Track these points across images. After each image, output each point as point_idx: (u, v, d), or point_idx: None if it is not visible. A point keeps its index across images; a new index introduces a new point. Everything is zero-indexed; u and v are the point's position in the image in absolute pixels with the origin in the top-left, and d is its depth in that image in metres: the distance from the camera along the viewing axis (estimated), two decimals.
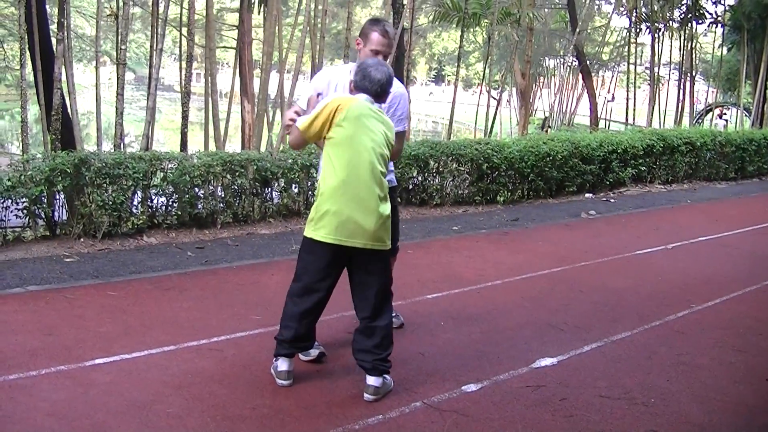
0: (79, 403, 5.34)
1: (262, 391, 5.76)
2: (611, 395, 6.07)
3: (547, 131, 24.38)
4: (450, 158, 14.10)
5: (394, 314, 7.11)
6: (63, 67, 11.57)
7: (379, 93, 5.76)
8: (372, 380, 5.74)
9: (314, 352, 6.45)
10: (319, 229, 5.60)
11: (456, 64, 21.88)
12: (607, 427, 5.52)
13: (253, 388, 5.80)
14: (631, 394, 6.11)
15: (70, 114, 12.27)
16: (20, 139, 12.46)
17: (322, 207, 5.58)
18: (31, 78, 12.28)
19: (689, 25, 30.44)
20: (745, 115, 33.66)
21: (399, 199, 12.31)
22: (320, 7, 16.63)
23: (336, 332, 7.03)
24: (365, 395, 5.73)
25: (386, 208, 5.64)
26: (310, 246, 5.74)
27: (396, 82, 6.22)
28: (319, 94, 6.16)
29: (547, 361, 6.71)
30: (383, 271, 5.85)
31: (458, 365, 6.54)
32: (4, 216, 9.69)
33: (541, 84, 54.80)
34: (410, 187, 13.67)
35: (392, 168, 6.64)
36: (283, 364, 5.94)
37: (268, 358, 6.25)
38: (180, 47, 19.78)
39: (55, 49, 11.87)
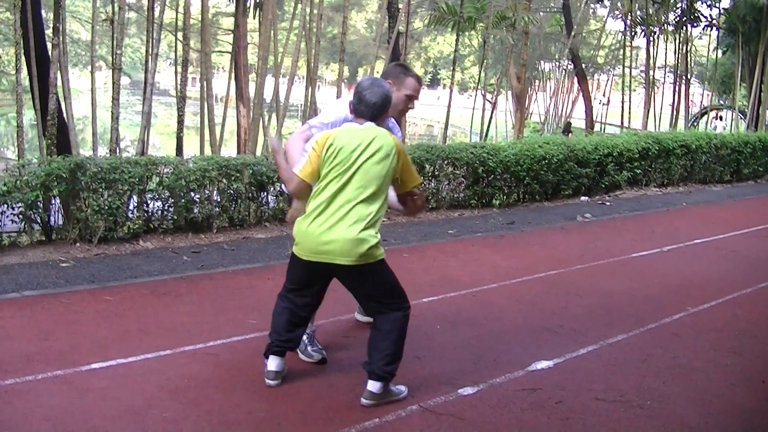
0: (75, 409, 5.34)
1: (258, 395, 5.76)
2: (607, 398, 6.07)
3: (569, 135, 24.32)
4: (446, 162, 14.11)
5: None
6: (59, 71, 11.58)
7: (375, 115, 5.80)
8: (370, 384, 5.74)
9: (316, 356, 6.50)
10: (300, 249, 5.76)
11: (451, 68, 21.91)
12: (603, 429, 5.53)
13: (249, 392, 5.81)
14: (626, 397, 6.12)
15: (65, 119, 12.30)
16: (16, 143, 12.46)
17: (302, 225, 5.72)
18: (27, 83, 12.28)
19: (684, 28, 30.50)
20: (740, 118, 33.71)
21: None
22: (315, 12, 16.64)
23: (332, 336, 7.03)
24: (362, 399, 5.74)
25: (362, 233, 5.57)
26: (294, 258, 5.90)
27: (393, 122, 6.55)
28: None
29: (543, 364, 6.72)
30: (366, 283, 5.85)
31: (454, 369, 6.55)
32: (0, 221, 9.68)
33: (536, 87, 54.80)
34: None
35: None
36: (271, 363, 5.99)
37: (264, 362, 6.28)
38: (176, 52, 19.78)
39: (50, 54, 11.87)
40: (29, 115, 17.88)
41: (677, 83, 31.91)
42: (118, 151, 12.42)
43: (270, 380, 5.97)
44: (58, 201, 10.31)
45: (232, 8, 25.27)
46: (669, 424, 5.69)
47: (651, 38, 30.16)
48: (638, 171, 18.27)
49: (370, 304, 5.95)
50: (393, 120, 6.70)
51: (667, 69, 39.63)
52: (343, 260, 5.57)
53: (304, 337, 6.54)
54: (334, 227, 5.55)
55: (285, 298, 6.07)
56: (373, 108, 5.76)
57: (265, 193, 11.95)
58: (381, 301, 5.82)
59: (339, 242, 5.53)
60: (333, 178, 5.62)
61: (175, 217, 10.97)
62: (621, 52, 34.07)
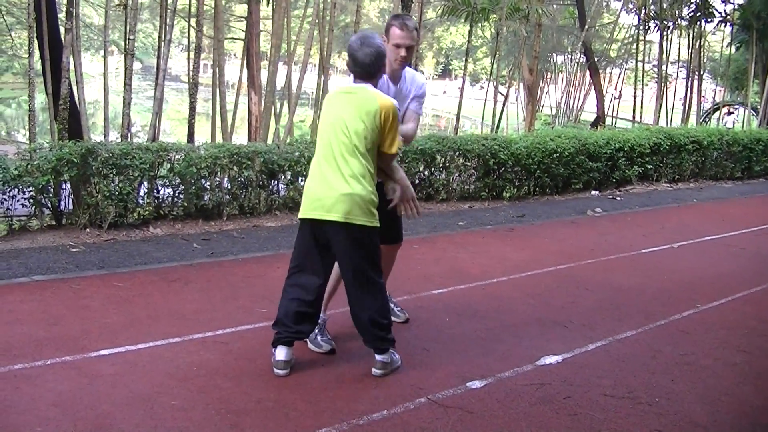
0: (84, 394, 5.35)
1: (267, 384, 5.76)
2: (615, 394, 6.06)
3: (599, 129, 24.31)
4: (457, 153, 14.10)
5: (399, 308, 7.22)
6: (71, 56, 11.57)
7: (370, 74, 5.90)
8: (378, 356, 6.03)
9: (326, 346, 6.52)
10: (301, 209, 5.97)
11: (464, 59, 21.87)
12: (611, 426, 5.52)
13: (258, 381, 5.81)
14: (635, 394, 6.11)
15: (77, 103, 12.30)
16: (26, 127, 12.47)
17: (306, 184, 6.01)
18: (39, 67, 12.27)
19: (698, 23, 30.40)
20: (753, 115, 33.61)
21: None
22: (329, 0, 16.62)
23: (342, 327, 7.01)
24: (373, 370, 6.03)
25: (351, 187, 5.74)
26: (300, 225, 6.12)
27: (412, 73, 6.73)
28: None
29: (551, 359, 6.71)
30: (355, 252, 5.92)
31: (463, 362, 6.54)
32: (11, 205, 9.69)
33: (548, 80, 54.75)
34: (416, 181, 13.64)
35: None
36: (280, 353, 6.04)
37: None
38: (188, 38, 19.77)
39: (63, 38, 11.88)
40: (40, 99, 17.90)
41: (690, 78, 31.83)
42: (129, 136, 12.41)
43: (279, 370, 6.00)
44: (68, 186, 10.31)
45: None
46: (677, 422, 5.67)
47: (664, 33, 30.10)
48: (649, 166, 18.21)
49: (348, 265, 5.98)
50: (424, 83, 6.83)
51: (680, 64, 39.59)
52: (332, 216, 5.73)
53: (315, 327, 6.55)
54: (327, 183, 5.76)
55: (291, 286, 6.14)
56: (365, 68, 5.87)
57: (276, 182, 11.95)
58: (361, 265, 5.93)
59: (331, 198, 5.73)
60: (323, 137, 5.89)
61: (186, 204, 10.97)
62: (634, 46, 34.08)
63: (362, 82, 5.91)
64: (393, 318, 6.76)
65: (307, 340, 6.58)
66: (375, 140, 5.82)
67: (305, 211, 5.91)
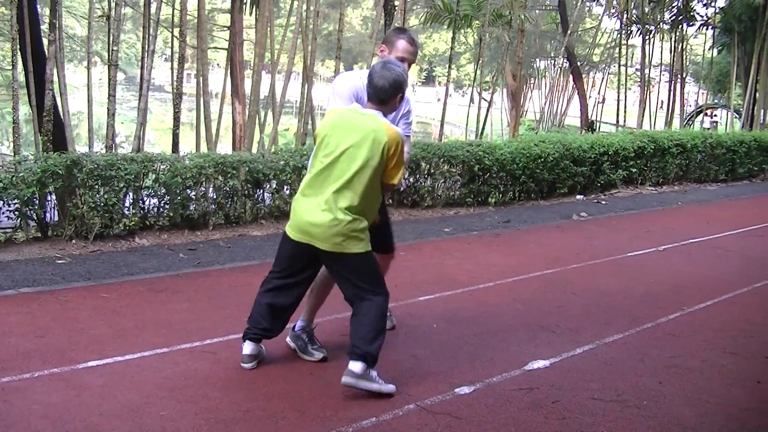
0: (73, 406, 5.34)
1: (256, 394, 5.77)
2: (604, 398, 6.08)
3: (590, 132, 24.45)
4: (441, 160, 14.11)
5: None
6: (55, 68, 11.55)
7: (383, 99, 5.85)
8: (351, 364, 5.83)
9: (317, 354, 6.55)
10: (290, 227, 5.97)
11: (447, 66, 21.91)
12: (600, 429, 5.53)
13: (246, 390, 5.82)
14: (623, 397, 6.13)
15: (61, 115, 12.27)
16: (10, 139, 12.45)
17: (296, 203, 5.98)
18: (23, 78, 12.25)
19: (680, 27, 30.47)
20: (735, 117, 33.71)
21: (390, 200, 12.34)
22: (312, 9, 16.63)
23: (330, 335, 7.03)
24: (342, 378, 5.83)
25: (343, 216, 5.72)
26: (284, 236, 6.11)
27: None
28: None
29: (539, 364, 6.73)
30: (351, 276, 5.96)
31: (451, 367, 6.56)
32: None
33: (531, 85, 54.85)
34: (402, 188, 13.66)
35: None
36: (246, 347, 6.26)
37: (262, 361, 6.31)
38: (171, 48, 19.75)
39: (46, 50, 11.85)
40: (23, 110, 17.87)
41: (672, 82, 31.90)
42: (114, 147, 12.39)
43: (245, 363, 6.19)
44: (53, 197, 10.30)
45: (227, 5, 25.27)
46: (665, 424, 5.69)
47: (646, 37, 30.17)
48: (634, 170, 18.28)
49: (348, 288, 6.01)
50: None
51: (663, 67, 39.66)
52: (321, 245, 5.75)
53: (304, 336, 6.66)
54: (318, 211, 5.72)
55: (270, 290, 6.26)
56: (380, 91, 5.81)
57: (261, 191, 11.96)
58: (360, 286, 5.93)
59: (320, 227, 5.72)
60: (322, 161, 5.81)
61: (171, 214, 10.96)
62: (616, 50, 34.10)
63: (373, 109, 5.87)
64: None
65: (298, 350, 6.63)
66: (378, 171, 5.80)
67: (295, 234, 5.91)
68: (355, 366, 5.80)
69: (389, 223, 7.10)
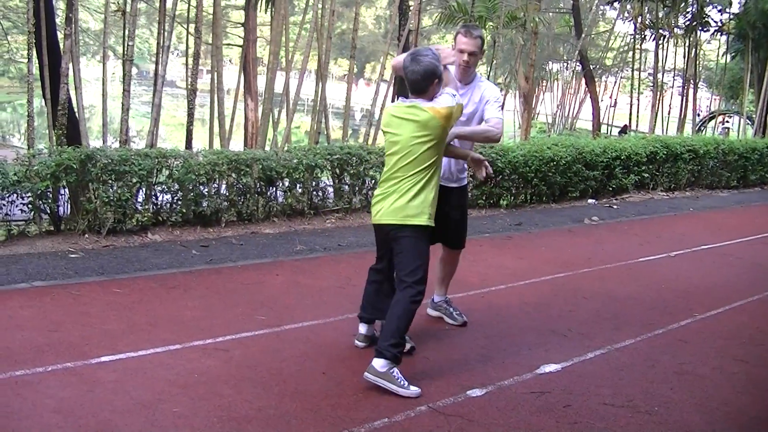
0: (85, 401, 5.36)
1: (268, 392, 5.77)
2: (615, 403, 6.08)
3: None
4: None
5: (457, 312, 7.80)
6: (70, 62, 11.58)
7: (421, 89, 6.06)
8: (374, 361, 6.00)
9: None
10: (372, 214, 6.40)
11: None
12: None
13: (258, 389, 5.82)
14: (634, 403, 6.12)
15: (75, 109, 12.29)
16: (23, 131, 12.49)
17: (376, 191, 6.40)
18: (37, 72, 12.28)
19: (694, 32, 30.46)
20: (748, 124, 33.66)
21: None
22: (327, 7, 16.64)
23: (341, 335, 7.05)
24: (364, 373, 5.98)
25: (410, 200, 6.09)
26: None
27: (487, 84, 7.16)
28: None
29: (551, 368, 6.73)
30: (400, 254, 6.22)
31: (463, 370, 6.56)
32: (10, 210, 9.69)
33: (543, 88, 54.83)
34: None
35: (465, 167, 7.25)
36: (361, 328, 6.83)
37: (274, 358, 6.37)
38: (186, 43, 19.78)
39: (62, 45, 11.88)
40: (36, 103, 17.95)
41: (685, 87, 31.88)
42: (127, 142, 12.42)
43: (359, 342, 6.80)
44: (67, 191, 10.31)
45: (241, 1, 25.30)
46: (676, 431, 5.69)
47: (660, 42, 30.15)
48: (645, 175, 18.23)
49: (395, 271, 6.44)
50: (492, 92, 7.12)
51: (676, 73, 39.62)
52: (386, 219, 6.15)
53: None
54: (387, 198, 6.14)
55: (370, 272, 6.81)
56: (414, 84, 6.07)
57: (274, 188, 11.96)
58: (402, 268, 6.19)
59: (387, 210, 6.12)
60: (388, 154, 6.22)
61: (184, 211, 10.96)
62: (629, 54, 34.12)
63: (415, 98, 6.11)
64: (449, 320, 7.61)
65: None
66: (438, 146, 6.12)
67: (373, 218, 6.34)
68: (378, 363, 5.94)
69: (466, 218, 7.49)
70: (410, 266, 6.13)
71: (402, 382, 5.94)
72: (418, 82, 5.99)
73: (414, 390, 5.95)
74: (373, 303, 6.65)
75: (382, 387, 5.89)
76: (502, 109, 7.38)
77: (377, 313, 6.62)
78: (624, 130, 31.61)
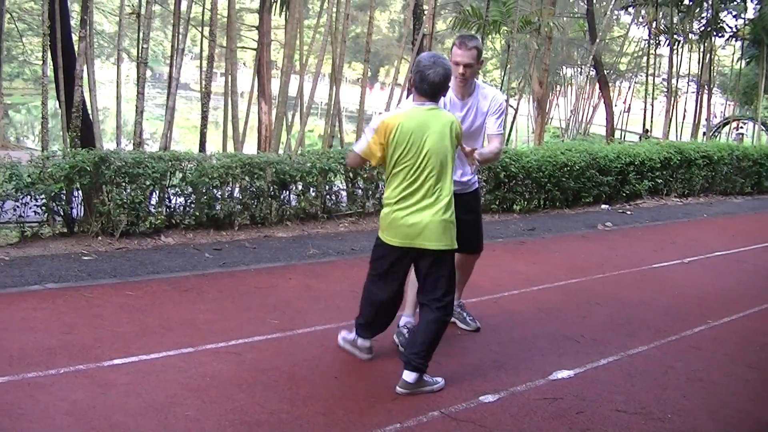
0: (98, 404, 5.36)
1: (280, 396, 5.76)
2: (627, 410, 6.06)
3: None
4: None
5: (470, 318, 7.73)
6: (84, 64, 11.59)
7: (435, 94, 6.00)
8: (406, 374, 6.02)
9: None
10: (391, 235, 6.09)
11: None
12: None
13: (271, 393, 5.82)
14: (647, 409, 6.10)
15: (90, 111, 12.30)
16: (37, 133, 12.52)
17: (389, 212, 6.08)
18: (52, 74, 12.29)
19: (708, 38, 30.35)
20: (762, 130, 33.58)
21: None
22: (341, 11, 16.64)
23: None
24: (396, 388, 6.01)
25: (446, 214, 5.99)
26: (380, 242, 6.26)
27: (492, 89, 7.08)
28: None
29: (563, 374, 6.71)
30: (441, 273, 6.14)
31: (476, 375, 6.55)
32: (24, 212, 9.72)
33: (557, 93, 54.81)
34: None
35: (474, 170, 7.13)
36: (363, 342, 6.65)
37: (286, 362, 6.37)
38: (200, 46, 19.80)
39: (77, 47, 11.89)
40: (51, 105, 17.98)
41: (699, 93, 31.80)
42: (141, 145, 12.43)
43: (364, 354, 6.62)
44: (80, 193, 10.34)
45: (256, 4, 25.31)
46: None
47: (674, 47, 30.07)
48: (659, 180, 18.19)
49: (429, 292, 6.15)
50: (502, 99, 7.11)
51: (690, 78, 39.55)
52: (432, 245, 5.92)
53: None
54: (422, 212, 5.90)
55: (371, 286, 6.48)
56: (434, 87, 5.95)
57: (287, 192, 11.97)
58: (442, 291, 6.11)
59: (429, 227, 5.89)
60: (408, 163, 5.90)
61: (197, 214, 10.97)
62: (644, 59, 34.06)
63: (429, 102, 6.00)
64: (462, 325, 7.57)
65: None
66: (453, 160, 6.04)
67: (395, 240, 6.03)
68: (410, 376, 6.00)
69: (480, 222, 7.46)
70: (449, 287, 6.18)
71: (432, 382, 6.14)
72: (439, 83, 5.92)
73: (440, 380, 6.20)
74: (381, 322, 6.58)
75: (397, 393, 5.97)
76: (505, 118, 7.28)
77: (381, 329, 6.62)
78: (645, 133, 31.52)
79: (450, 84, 6.25)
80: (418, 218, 5.88)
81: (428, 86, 5.92)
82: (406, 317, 7.14)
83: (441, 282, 6.08)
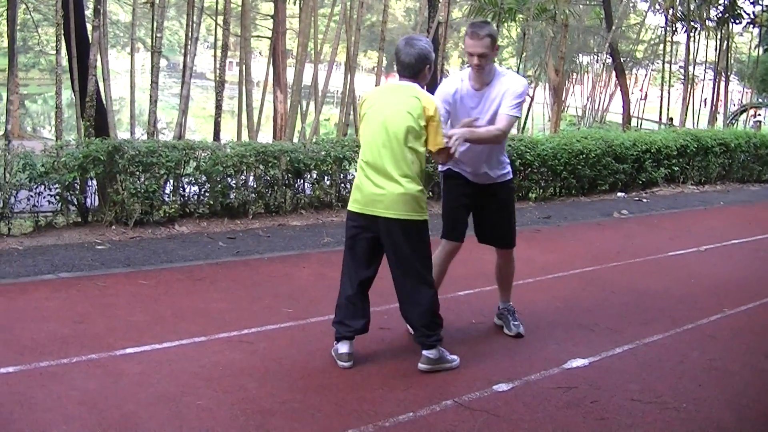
0: (110, 393, 5.35)
1: (293, 386, 5.74)
2: (643, 399, 6.01)
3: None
4: None
5: (515, 322, 7.40)
6: (98, 53, 11.59)
7: (414, 73, 6.05)
8: (425, 352, 6.15)
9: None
10: (352, 203, 6.19)
11: None
12: (638, 431, 5.47)
13: (283, 382, 5.80)
14: (662, 399, 6.05)
15: (104, 101, 12.33)
16: (52, 123, 12.53)
17: (356, 180, 6.19)
18: (66, 64, 12.30)
19: (726, 24, 30.22)
20: None
21: (431, 194, 12.26)
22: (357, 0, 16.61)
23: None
24: (419, 365, 6.15)
25: (403, 186, 5.91)
26: (349, 214, 6.28)
27: (513, 74, 6.84)
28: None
29: (578, 362, 6.66)
30: (406, 246, 6.08)
31: (490, 364, 6.51)
32: (37, 201, 9.73)
33: (573, 81, 54.64)
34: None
35: (507, 160, 7.10)
36: (342, 347, 6.23)
37: (300, 352, 6.35)
38: (215, 35, 19.80)
39: (90, 36, 11.90)
40: (65, 95, 17.99)
41: (716, 80, 31.67)
42: (155, 134, 12.44)
43: (343, 362, 6.21)
44: (94, 183, 10.34)
45: None
46: (705, 428, 5.61)
47: (691, 34, 29.95)
48: (676, 168, 18.09)
49: (403, 270, 6.12)
50: (518, 84, 6.70)
51: (707, 65, 39.38)
52: (390, 213, 5.90)
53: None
54: (381, 181, 5.91)
55: (343, 283, 6.36)
56: (408, 67, 6.04)
57: (302, 181, 11.97)
58: (416, 267, 6.10)
59: (387, 196, 5.89)
60: (369, 135, 6.03)
61: (211, 202, 10.98)
62: (660, 47, 33.91)
63: (408, 81, 6.06)
64: (505, 330, 7.29)
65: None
66: (419, 137, 5.95)
67: (358, 206, 6.09)
68: (432, 353, 6.14)
69: (509, 215, 7.33)
70: (428, 264, 6.31)
71: (450, 359, 6.30)
72: (411, 65, 5.99)
73: (456, 358, 6.35)
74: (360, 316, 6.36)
75: (421, 374, 6.09)
76: (520, 105, 6.93)
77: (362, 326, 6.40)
78: (669, 122, 31.42)
79: (466, 73, 6.43)
80: (378, 188, 5.92)
81: (401, 66, 6.04)
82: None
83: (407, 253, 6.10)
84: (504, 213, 7.20)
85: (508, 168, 7.12)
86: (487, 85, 6.64)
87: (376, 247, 6.18)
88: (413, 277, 6.11)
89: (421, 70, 6.04)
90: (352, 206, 6.13)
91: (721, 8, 30.71)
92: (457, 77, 6.75)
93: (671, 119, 31.56)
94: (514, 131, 22.67)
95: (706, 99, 35.77)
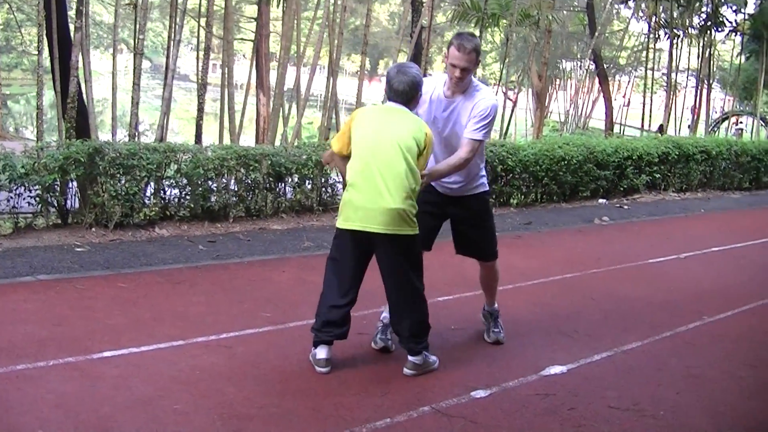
0: (86, 396, 5.33)
1: (270, 390, 5.74)
2: (620, 406, 6.02)
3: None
4: None
5: (496, 330, 7.37)
6: (80, 54, 11.55)
7: (406, 101, 6.11)
8: (411, 357, 6.24)
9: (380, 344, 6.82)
10: (344, 219, 6.10)
11: None
12: None
13: (261, 386, 5.79)
14: (640, 406, 6.06)
15: (86, 102, 12.27)
16: (34, 124, 12.48)
17: (345, 196, 6.15)
18: (48, 64, 12.26)
19: (708, 32, 30.31)
20: (762, 125, 33.53)
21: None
22: (339, 3, 16.61)
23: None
24: (404, 370, 6.24)
25: (396, 201, 5.89)
26: (337, 231, 6.21)
27: (486, 91, 6.68)
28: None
29: (556, 369, 6.67)
30: (400, 259, 6.17)
31: (468, 370, 6.52)
32: (17, 203, 9.68)
33: (557, 86, 54.72)
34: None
35: (483, 173, 7.03)
36: (320, 352, 6.21)
37: (277, 356, 6.34)
38: (198, 37, 19.77)
39: (72, 37, 11.86)
40: (48, 96, 17.94)
41: (699, 87, 31.76)
42: (137, 136, 12.40)
43: (320, 368, 6.18)
44: (74, 185, 10.30)
45: None
46: None
47: (674, 41, 30.03)
48: (657, 175, 18.12)
49: (397, 282, 6.21)
50: (490, 102, 6.56)
51: (689, 73, 39.49)
52: (380, 229, 5.90)
53: (380, 325, 6.92)
54: (376, 197, 5.89)
55: (327, 292, 6.30)
56: (402, 94, 6.07)
57: (283, 184, 11.94)
58: (411, 280, 6.21)
59: (377, 211, 5.88)
60: (365, 151, 5.99)
61: (192, 206, 10.94)
62: (643, 53, 34.00)
63: (400, 106, 6.12)
64: (485, 336, 7.34)
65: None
66: (417, 157, 6.00)
67: (351, 222, 6.04)
68: (417, 359, 6.23)
69: (487, 226, 7.28)
70: (420, 270, 6.40)
71: (432, 361, 6.41)
72: (404, 92, 6.04)
73: (435, 359, 6.48)
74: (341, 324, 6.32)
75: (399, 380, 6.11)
76: (487, 127, 6.58)
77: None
78: (660, 129, 31.46)
79: (443, 79, 6.46)
80: (373, 204, 5.91)
81: (394, 93, 6.08)
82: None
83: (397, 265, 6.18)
84: (481, 228, 7.17)
85: (483, 180, 7.00)
86: (460, 95, 6.54)
87: (363, 264, 6.23)
88: (408, 290, 6.19)
89: (414, 97, 6.11)
90: (343, 224, 6.07)
91: (703, 16, 30.82)
92: (439, 79, 6.67)
93: (662, 126, 31.67)
94: (495, 136, 22.70)
95: (692, 106, 35.81)
